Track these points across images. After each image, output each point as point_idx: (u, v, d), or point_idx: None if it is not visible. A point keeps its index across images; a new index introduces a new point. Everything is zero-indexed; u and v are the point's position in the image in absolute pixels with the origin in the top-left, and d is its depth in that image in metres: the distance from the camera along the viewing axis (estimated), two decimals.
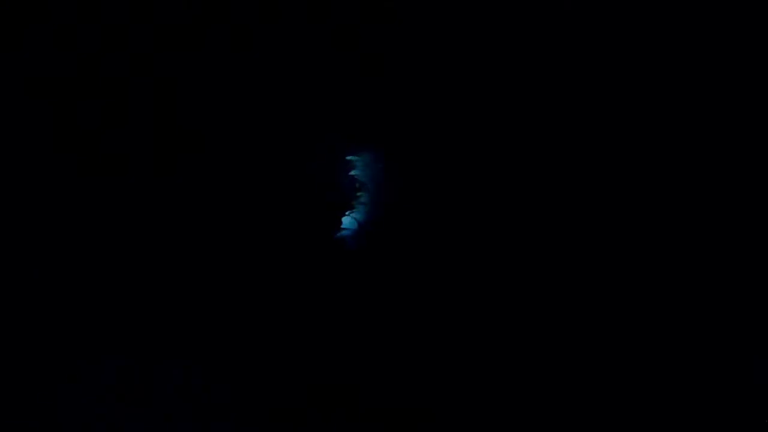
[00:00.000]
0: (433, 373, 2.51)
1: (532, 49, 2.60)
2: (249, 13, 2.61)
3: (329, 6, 2.61)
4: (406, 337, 2.56)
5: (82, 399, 2.39)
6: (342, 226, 2.71)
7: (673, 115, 2.57)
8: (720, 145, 2.54)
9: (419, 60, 2.65)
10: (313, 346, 2.53)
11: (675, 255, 2.54)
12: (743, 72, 2.46)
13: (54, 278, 2.53)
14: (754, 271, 2.47)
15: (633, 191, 2.58)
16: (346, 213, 2.70)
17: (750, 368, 2.38)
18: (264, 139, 2.67)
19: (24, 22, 2.50)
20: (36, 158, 2.56)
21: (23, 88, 2.54)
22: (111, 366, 2.43)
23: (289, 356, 2.52)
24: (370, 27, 2.63)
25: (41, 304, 2.50)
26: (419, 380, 2.50)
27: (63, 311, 2.50)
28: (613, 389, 2.44)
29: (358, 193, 2.77)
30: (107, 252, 2.56)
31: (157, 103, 2.62)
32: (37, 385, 2.41)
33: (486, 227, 2.62)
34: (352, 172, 2.74)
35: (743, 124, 2.50)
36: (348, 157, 2.68)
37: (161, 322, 2.52)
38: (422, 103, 2.66)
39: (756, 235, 2.47)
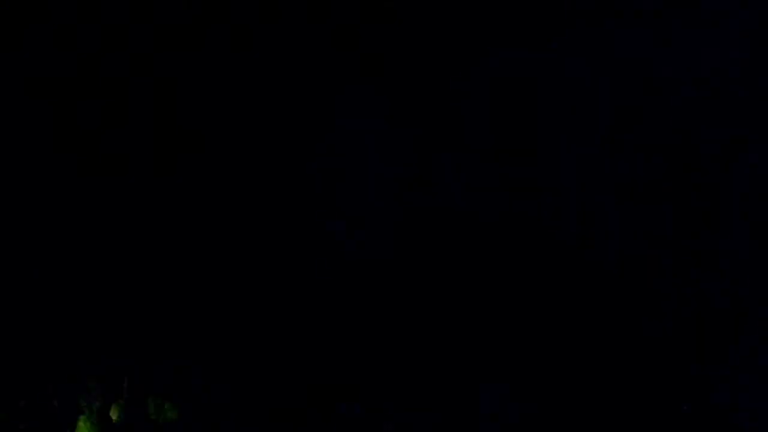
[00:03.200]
0: (434, 373, 2.52)
1: (534, 50, 2.60)
2: (249, 13, 2.61)
3: (329, 6, 2.61)
4: (407, 337, 2.56)
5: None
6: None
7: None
8: (719, 145, 2.55)
9: (419, 60, 2.65)
10: (313, 346, 2.53)
11: (672, 253, 2.55)
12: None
13: (54, 278, 2.53)
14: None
15: (632, 191, 2.59)
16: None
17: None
18: (264, 139, 2.67)
19: (24, 22, 2.51)
20: (36, 158, 2.57)
21: (23, 88, 2.54)
22: (111, 366, 2.43)
23: (289, 356, 2.52)
24: (370, 27, 2.63)
25: (41, 304, 2.50)
26: (419, 380, 2.50)
27: (63, 311, 2.51)
28: (609, 389, 2.45)
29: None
30: (107, 252, 2.56)
31: (157, 103, 2.62)
32: (37, 385, 2.41)
33: (488, 228, 2.62)
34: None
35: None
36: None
37: (162, 321, 2.53)
38: (423, 103, 2.67)
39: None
